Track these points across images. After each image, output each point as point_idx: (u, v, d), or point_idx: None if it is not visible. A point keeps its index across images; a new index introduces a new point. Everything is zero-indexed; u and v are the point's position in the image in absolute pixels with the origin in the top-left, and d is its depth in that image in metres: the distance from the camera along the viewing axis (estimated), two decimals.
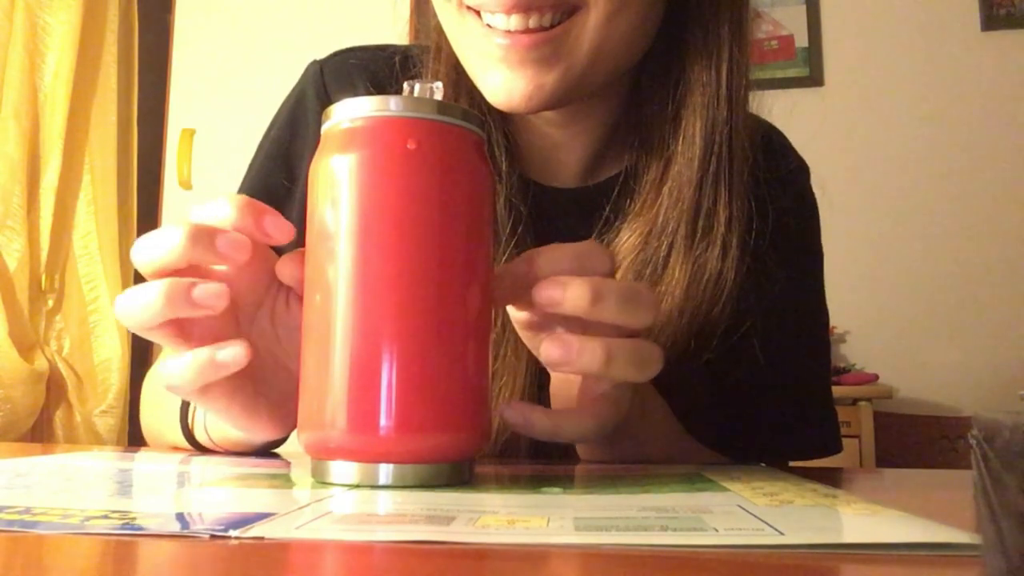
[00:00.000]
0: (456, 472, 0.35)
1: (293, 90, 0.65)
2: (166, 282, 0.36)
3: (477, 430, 0.35)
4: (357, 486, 0.34)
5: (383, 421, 0.33)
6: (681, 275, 0.53)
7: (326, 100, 0.62)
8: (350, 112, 0.35)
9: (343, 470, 0.34)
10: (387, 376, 0.33)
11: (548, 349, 0.37)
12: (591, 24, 0.48)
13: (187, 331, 0.38)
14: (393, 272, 0.33)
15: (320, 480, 0.35)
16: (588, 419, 0.40)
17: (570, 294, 0.37)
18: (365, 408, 0.33)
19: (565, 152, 0.59)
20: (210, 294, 0.36)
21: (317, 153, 0.36)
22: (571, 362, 0.37)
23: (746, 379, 0.59)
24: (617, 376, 0.38)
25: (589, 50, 0.49)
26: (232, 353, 0.36)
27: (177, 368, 0.37)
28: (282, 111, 0.65)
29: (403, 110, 0.35)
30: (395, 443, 0.33)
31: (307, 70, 0.65)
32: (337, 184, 0.34)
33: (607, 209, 0.56)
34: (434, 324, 0.34)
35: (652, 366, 0.39)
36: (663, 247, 0.53)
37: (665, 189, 0.54)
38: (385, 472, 0.33)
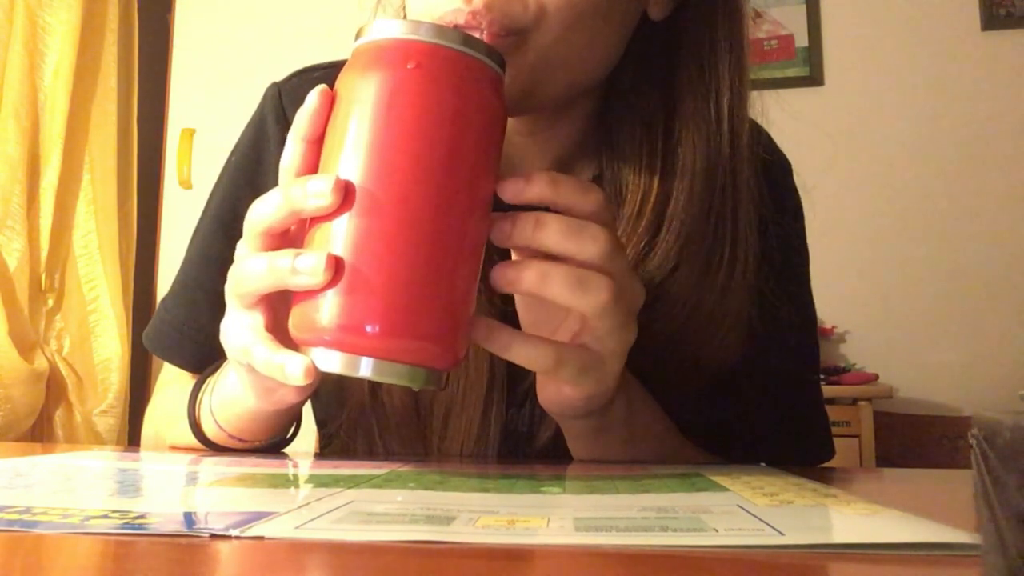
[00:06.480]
0: (431, 377, 0.37)
1: (254, 114, 0.66)
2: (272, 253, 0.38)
3: (457, 346, 0.37)
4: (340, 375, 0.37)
5: (372, 320, 0.35)
6: (681, 307, 0.52)
7: (285, 124, 0.62)
8: (375, 33, 0.38)
9: (328, 357, 0.36)
10: (381, 281, 0.35)
11: (495, 273, 0.39)
12: (540, 42, 0.46)
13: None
14: (393, 186, 0.35)
15: None
16: (546, 347, 0.41)
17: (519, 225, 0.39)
18: (359, 308, 0.35)
19: (531, 161, 0.58)
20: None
21: (344, 68, 0.38)
22: (514, 281, 0.39)
23: (739, 388, 0.58)
24: (550, 295, 0.39)
25: (538, 62, 0.47)
26: (298, 370, 0.37)
27: (257, 363, 0.39)
28: (244, 136, 0.66)
29: (412, 33, 0.37)
30: (381, 340, 0.35)
31: (266, 94, 0.66)
32: (350, 100, 0.37)
33: None
34: (429, 239, 0.36)
35: (591, 295, 0.39)
36: (656, 279, 0.52)
37: (664, 223, 0.53)
38: (367, 364, 0.36)
